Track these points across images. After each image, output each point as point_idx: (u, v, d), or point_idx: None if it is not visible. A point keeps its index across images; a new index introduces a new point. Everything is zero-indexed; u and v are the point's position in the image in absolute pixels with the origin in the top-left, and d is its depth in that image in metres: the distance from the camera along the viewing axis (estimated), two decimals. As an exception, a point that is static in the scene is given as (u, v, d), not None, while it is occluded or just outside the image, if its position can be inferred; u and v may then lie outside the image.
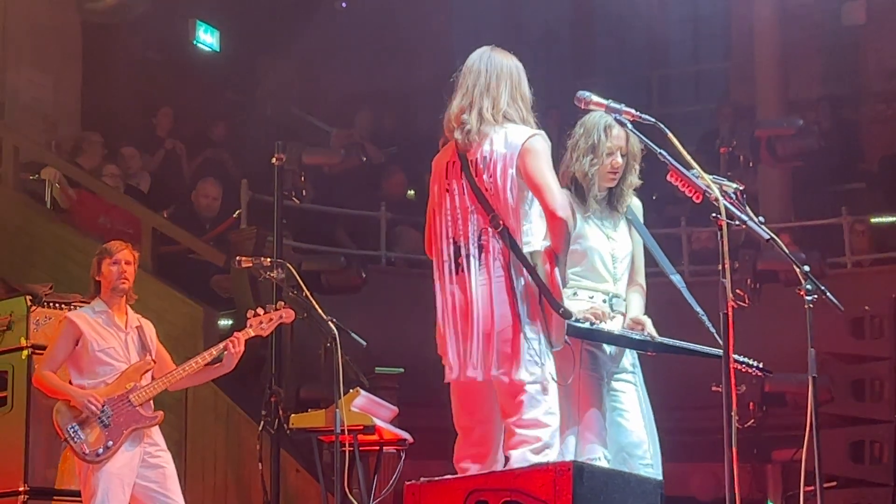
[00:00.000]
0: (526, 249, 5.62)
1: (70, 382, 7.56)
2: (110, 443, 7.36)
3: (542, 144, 5.67)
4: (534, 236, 5.67)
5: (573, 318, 5.83)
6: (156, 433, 7.62)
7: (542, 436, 5.57)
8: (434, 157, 5.91)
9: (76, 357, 7.56)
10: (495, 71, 5.77)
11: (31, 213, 12.12)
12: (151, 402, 7.57)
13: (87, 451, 7.34)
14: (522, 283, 5.60)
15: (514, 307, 5.58)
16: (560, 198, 5.60)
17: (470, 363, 5.65)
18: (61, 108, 14.14)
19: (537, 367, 5.59)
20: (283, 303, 7.95)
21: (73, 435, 7.35)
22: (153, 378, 7.61)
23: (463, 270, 5.67)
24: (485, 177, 5.65)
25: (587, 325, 6.09)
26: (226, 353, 7.64)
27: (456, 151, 5.75)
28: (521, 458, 5.50)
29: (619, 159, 6.31)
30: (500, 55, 5.83)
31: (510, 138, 5.65)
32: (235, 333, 7.70)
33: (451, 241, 5.72)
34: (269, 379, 9.27)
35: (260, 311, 7.82)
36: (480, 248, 5.65)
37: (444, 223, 5.75)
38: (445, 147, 5.86)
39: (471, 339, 5.63)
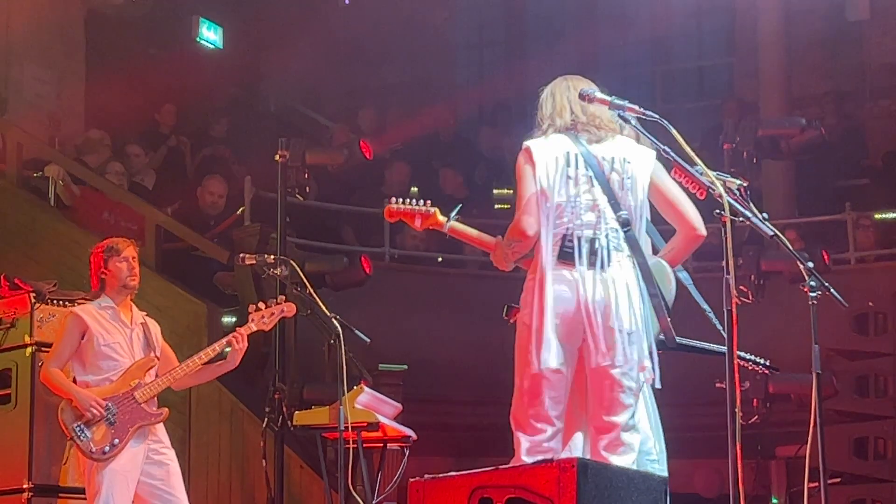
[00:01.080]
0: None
1: (73, 378, 7.56)
2: (116, 440, 7.36)
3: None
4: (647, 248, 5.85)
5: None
6: (160, 430, 7.62)
7: (637, 442, 5.74)
8: (531, 145, 5.87)
9: (81, 351, 7.55)
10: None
11: (34, 210, 12.12)
12: (156, 399, 7.57)
13: (94, 450, 7.34)
14: (646, 288, 5.72)
15: (636, 309, 5.70)
16: (698, 216, 5.79)
17: (599, 353, 5.67)
18: (65, 104, 14.14)
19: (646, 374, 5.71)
20: (283, 297, 7.95)
21: (78, 433, 7.35)
22: (157, 375, 7.61)
23: (583, 261, 5.69)
24: (625, 180, 5.74)
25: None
26: (229, 349, 7.65)
27: (575, 146, 5.79)
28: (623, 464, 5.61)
29: None
30: (585, 83, 5.94)
31: (639, 149, 5.80)
32: (237, 329, 7.70)
33: (570, 230, 5.74)
34: (273, 376, 9.27)
35: (261, 305, 7.81)
36: (609, 243, 5.72)
37: (558, 210, 5.75)
38: (549, 139, 5.85)
39: (592, 332, 5.65)
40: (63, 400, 7.48)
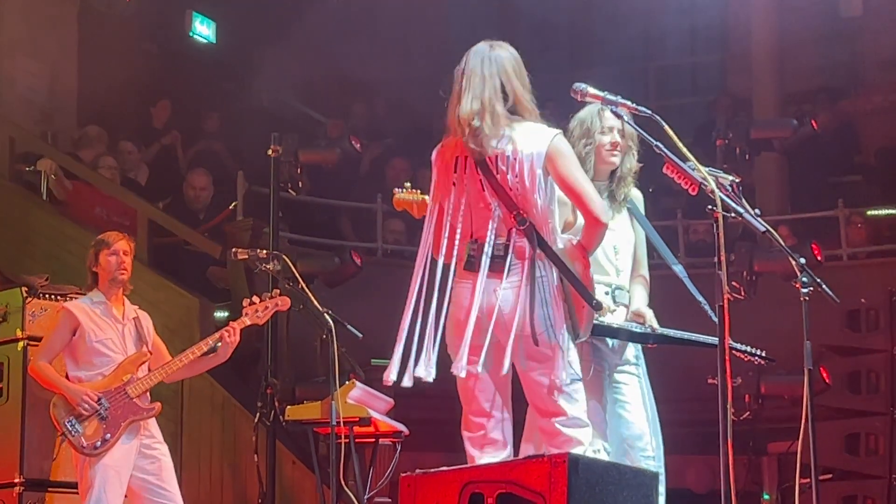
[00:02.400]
0: (555, 248, 5.62)
1: (66, 374, 7.56)
2: (108, 435, 7.35)
3: (565, 144, 5.68)
4: (557, 234, 5.68)
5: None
6: (152, 425, 7.62)
7: (585, 436, 5.64)
8: (434, 151, 5.83)
9: (73, 347, 7.55)
10: (502, 69, 5.67)
11: (27, 205, 12.09)
12: (148, 393, 7.56)
13: (86, 445, 7.33)
14: (555, 282, 5.60)
15: (548, 308, 5.58)
16: (599, 201, 5.63)
17: (515, 358, 5.60)
18: (57, 98, 14.11)
19: (571, 367, 5.62)
20: (277, 290, 7.94)
21: (70, 429, 7.34)
22: (149, 369, 7.60)
23: (481, 268, 5.59)
24: (509, 176, 5.57)
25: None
26: (221, 343, 7.64)
27: (466, 147, 5.65)
28: None
29: (617, 137, 6.30)
30: (500, 50, 5.74)
31: (533, 138, 5.61)
32: (231, 323, 7.69)
33: (464, 237, 5.66)
34: (266, 371, 9.27)
35: (255, 299, 7.80)
36: (505, 247, 5.61)
37: (453, 219, 5.68)
38: (447, 142, 5.77)
39: (497, 339, 5.57)
40: (55, 395, 7.47)
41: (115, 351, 7.56)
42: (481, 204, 5.64)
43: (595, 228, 5.63)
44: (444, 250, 5.68)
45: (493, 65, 5.68)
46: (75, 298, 8.15)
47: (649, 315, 6.26)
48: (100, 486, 7.32)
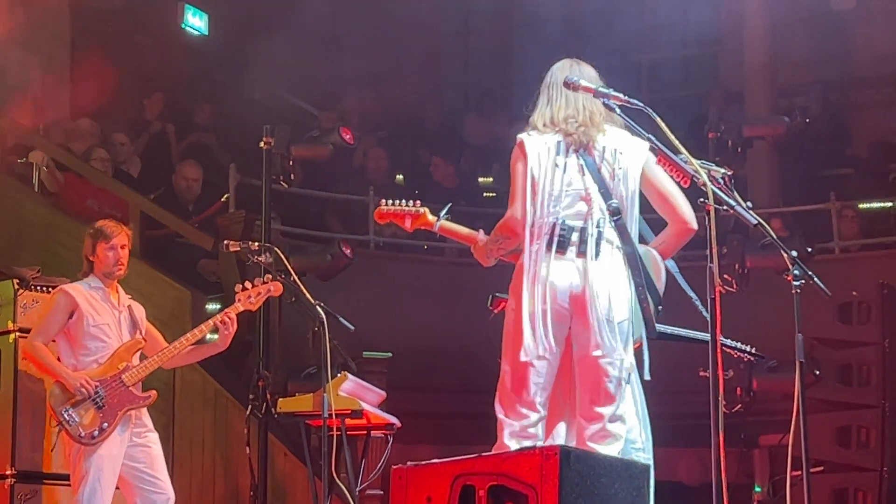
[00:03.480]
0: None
1: (59, 359, 7.53)
2: (105, 424, 7.34)
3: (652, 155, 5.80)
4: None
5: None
6: (144, 414, 7.61)
7: (623, 433, 5.74)
8: (521, 138, 5.89)
9: (70, 331, 7.52)
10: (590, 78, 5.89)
11: (18, 197, 12.08)
12: (141, 382, 7.55)
13: (83, 434, 7.33)
14: (634, 277, 5.71)
15: (627, 300, 5.72)
16: (690, 210, 5.78)
17: (588, 343, 5.68)
18: (49, 90, 14.09)
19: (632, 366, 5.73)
20: (270, 276, 7.94)
21: (67, 418, 7.33)
22: (143, 357, 7.59)
23: (573, 250, 5.70)
24: (617, 169, 5.76)
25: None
26: (219, 331, 7.64)
27: (567, 137, 5.81)
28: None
29: None
30: (585, 67, 6.02)
31: (632, 143, 5.78)
32: (225, 311, 7.68)
33: (559, 219, 5.74)
34: (257, 363, 9.26)
35: (248, 284, 7.80)
36: (599, 233, 5.72)
37: (549, 199, 5.76)
38: (542, 132, 5.87)
39: (584, 320, 5.64)
40: (53, 383, 7.45)
41: (111, 337, 7.55)
42: (578, 187, 5.76)
43: (684, 233, 5.86)
44: (536, 231, 5.76)
45: (583, 76, 5.88)
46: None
47: None
48: (94, 477, 7.31)
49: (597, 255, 5.68)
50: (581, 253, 5.69)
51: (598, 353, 5.68)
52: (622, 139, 5.81)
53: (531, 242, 5.75)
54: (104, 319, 7.56)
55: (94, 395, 7.33)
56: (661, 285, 5.90)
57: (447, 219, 6.49)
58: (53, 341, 7.60)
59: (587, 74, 5.93)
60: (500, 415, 5.80)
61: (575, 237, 5.71)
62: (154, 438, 7.63)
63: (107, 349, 7.52)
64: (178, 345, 7.61)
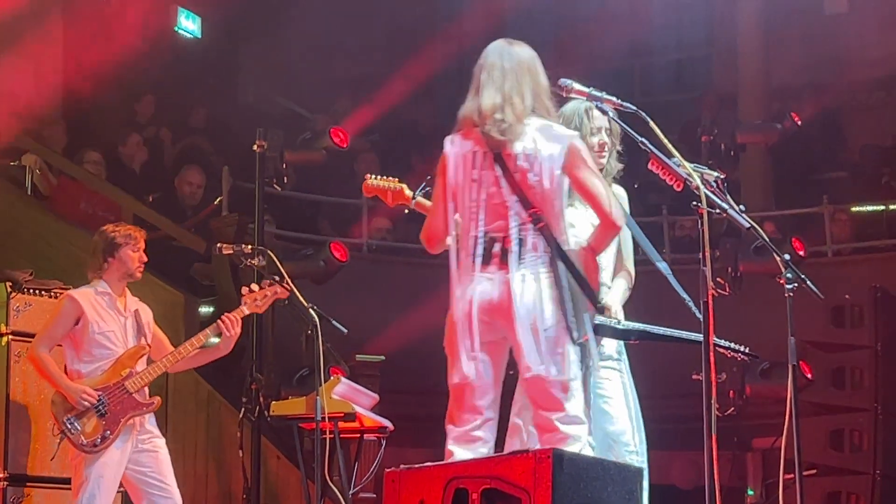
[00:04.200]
0: (565, 248, 5.63)
1: (64, 365, 7.53)
2: (108, 432, 7.34)
3: (583, 146, 5.71)
4: (569, 234, 5.72)
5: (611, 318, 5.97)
6: (148, 420, 7.60)
7: (582, 433, 5.62)
8: (447, 143, 5.79)
9: (75, 337, 7.51)
10: (521, 66, 5.74)
11: (11, 200, 12.05)
12: (147, 387, 7.55)
13: (85, 442, 7.32)
14: (565, 280, 5.60)
15: (557, 304, 5.58)
16: (616, 206, 5.67)
17: (521, 355, 5.60)
18: (41, 93, 14.06)
19: (573, 364, 5.62)
20: (276, 278, 7.94)
21: (69, 426, 7.32)
22: (149, 362, 7.59)
23: (495, 264, 5.61)
24: (530, 175, 5.59)
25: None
26: (223, 335, 7.64)
27: (485, 143, 5.66)
28: None
29: (605, 137, 6.32)
30: (519, 47, 5.81)
31: (553, 137, 5.64)
32: (229, 314, 7.68)
33: (479, 233, 5.66)
34: (250, 366, 9.26)
35: (254, 287, 7.82)
36: (520, 242, 5.61)
37: (468, 214, 5.68)
38: (463, 137, 5.75)
39: (513, 335, 5.58)
40: (55, 392, 7.45)
41: (116, 344, 7.55)
42: (496, 200, 5.64)
43: (611, 231, 5.70)
44: (457, 246, 5.71)
45: (512, 59, 5.74)
46: (60, 293, 8.13)
47: (614, 309, 6.25)
48: (94, 483, 7.31)
49: (519, 265, 5.62)
50: (504, 265, 5.62)
51: (531, 363, 5.62)
52: (541, 137, 5.64)
53: (456, 258, 5.72)
54: (109, 326, 7.55)
55: (98, 404, 7.33)
56: (597, 282, 5.80)
57: (424, 195, 6.47)
58: (59, 346, 7.60)
59: (518, 56, 5.77)
60: (446, 424, 5.79)
61: (497, 249, 5.62)
62: (161, 444, 7.63)
63: (111, 356, 7.51)
64: (183, 349, 7.62)
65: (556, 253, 5.59)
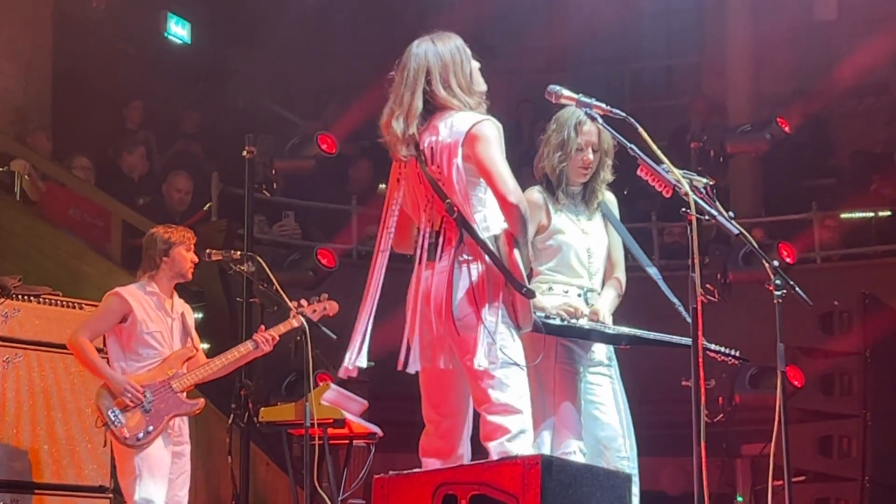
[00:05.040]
0: (486, 234, 5.58)
1: (108, 362, 7.56)
2: (150, 428, 7.38)
3: (490, 129, 5.60)
4: (492, 221, 5.62)
5: (546, 315, 5.90)
6: (185, 423, 7.65)
7: (514, 423, 5.49)
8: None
9: (122, 335, 7.55)
10: (426, 63, 5.74)
11: (0, 205, 12.04)
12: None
13: (128, 436, 7.36)
14: (482, 268, 5.56)
15: (472, 293, 5.54)
16: (511, 183, 5.52)
17: (435, 352, 5.62)
18: (31, 99, 14.06)
19: (501, 353, 5.53)
20: (326, 295, 8.00)
21: (113, 419, 7.36)
22: (189, 367, 7.61)
23: (428, 259, 5.66)
24: (432, 167, 5.61)
25: (558, 321, 6.10)
26: (259, 345, 7.72)
27: (406, 142, 5.69)
28: (498, 448, 5.44)
29: (590, 156, 6.33)
30: (428, 44, 5.81)
31: (454, 126, 5.60)
32: (270, 331, 7.77)
33: (423, 231, 5.70)
34: (239, 372, 9.24)
35: (304, 302, 7.86)
36: (437, 234, 5.63)
37: (415, 214, 5.72)
38: (386, 148, 5.81)
39: (434, 327, 5.60)
40: (100, 385, 7.46)
41: (163, 344, 7.59)
42: (425, 197, 5.67)
43: (506, 210, 5.55)
44: (385, 244, 5.80)
45: (415, 60, 5.75)
46: (49, 299, 8.13)
47: (602, 314, 6.23)
48: (148, 472, 7.37)
49: (439, 258, 5.63)
50: (430, 260, 5.65)
51: (457, 354, 5.62)
52: (445, 129, 5.62)
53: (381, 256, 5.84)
54: (157, 327, 7.59)
55: (142, 399, 7.34)
56: (516, 266, 5.70)
57: None
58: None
59: (421, 54, 5.77)
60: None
61: (427, 244, 5.67)
62: (188, 450, 7.69)
63: (158, 356, 7.57)
64: (221, 359, 7.69)
65: (473, 239, 5.56)
